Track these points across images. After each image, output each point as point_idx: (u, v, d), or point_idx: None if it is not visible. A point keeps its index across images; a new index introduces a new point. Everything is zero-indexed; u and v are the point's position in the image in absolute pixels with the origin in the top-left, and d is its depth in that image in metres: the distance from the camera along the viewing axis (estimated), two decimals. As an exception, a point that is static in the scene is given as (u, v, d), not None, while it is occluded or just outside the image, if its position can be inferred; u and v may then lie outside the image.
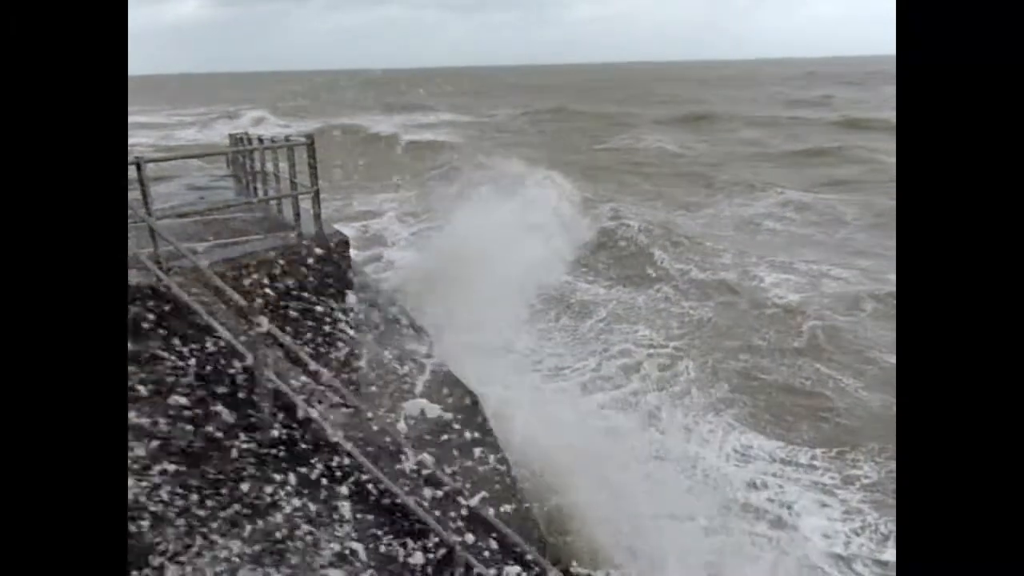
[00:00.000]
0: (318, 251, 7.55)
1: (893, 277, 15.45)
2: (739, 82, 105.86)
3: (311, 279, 7.47)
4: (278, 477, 4.41)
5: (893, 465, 7.92)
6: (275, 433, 4.75)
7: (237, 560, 3.79)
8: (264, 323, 4.78)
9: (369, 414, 5.04)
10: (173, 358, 5.26)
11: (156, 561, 3.69)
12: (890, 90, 67.54)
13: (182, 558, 3.76)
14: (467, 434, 5.34)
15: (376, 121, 50.50)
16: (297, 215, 8.29)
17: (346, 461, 4.59)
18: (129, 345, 4.99)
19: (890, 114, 43.66)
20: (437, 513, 4.32)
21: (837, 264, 16.82)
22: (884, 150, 32.07)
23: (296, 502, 4.26)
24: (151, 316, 5.60)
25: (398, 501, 4.37)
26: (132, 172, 5.94)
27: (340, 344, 7.38)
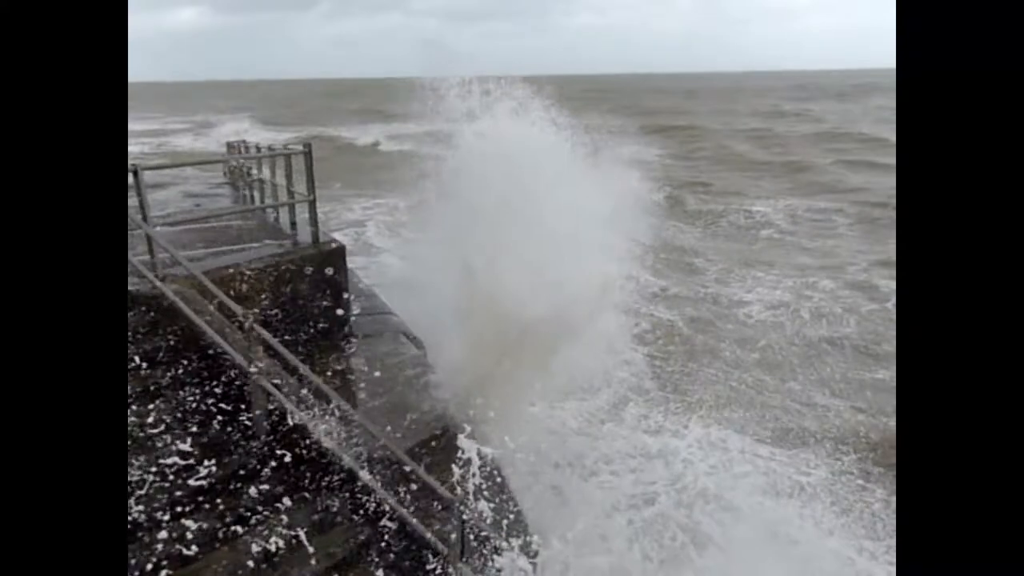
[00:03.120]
0: (314, 259, 7.55)
1: (881, 287, 15.69)
2: (728, 94, 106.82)
3: (307, 287, 7.47)
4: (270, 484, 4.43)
5: (839, 465, 8.74)
6: (267, 440, 4.76)
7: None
8: (259, 330, 4.79)
9: (361, 422, 5.03)
10: (166, 364, 5.26)
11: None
12: (872, 102, 68.71)
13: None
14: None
15: (365, 131, 50.65)
16: (293, 223, 8.30)
17: (339, 469, 4.60)
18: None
19: (868, 128, 45.24)
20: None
21: (825, 276, 17.01)
22: (858, 161, 33.54)
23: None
24: (146, 323, 5.59)
25: (394, 513, 4.37)
26: (129, 179, 5.94)
27: (334, 351, 7.38)
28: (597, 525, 7.00)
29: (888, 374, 11.49)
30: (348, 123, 56.06)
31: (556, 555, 5.05)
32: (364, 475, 4.53)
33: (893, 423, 9.77)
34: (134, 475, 4.20)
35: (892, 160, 33.02)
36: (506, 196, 7.47)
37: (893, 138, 39.72)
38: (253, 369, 4.76)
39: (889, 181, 27.71)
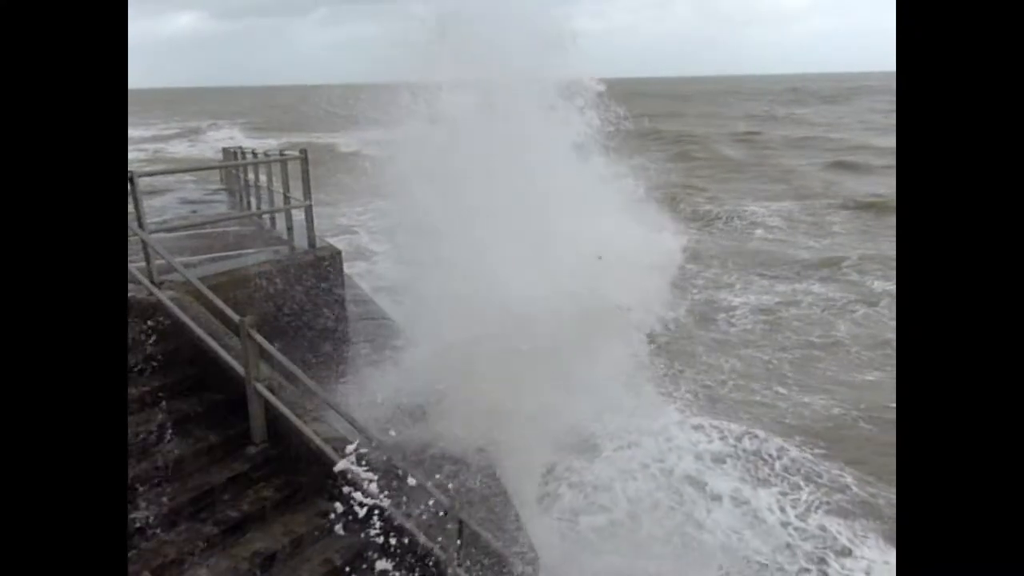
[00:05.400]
0: (311, 264, 7.55)
1: (877, 290, 15.76)
2: (721, 97, 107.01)
3: (304, 292, 7.46)
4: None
5: (809, 455, 9.08)
6: (265, 445, 4.74)
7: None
8: (256, 335, 4.76)
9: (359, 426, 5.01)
10: (162, 371, 5.23)
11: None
12: (863, 104, 69.32)
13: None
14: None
15: (353, 137, 50.55)
16: (290, 228, 8.29)
17: (337, 473, 4.58)
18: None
19: (855, 133, 46.30)
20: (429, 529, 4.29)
21: (817, 275, 17.10)
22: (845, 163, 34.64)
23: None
24: (142, 329, 5.56)
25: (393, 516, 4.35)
26: (125, 185, 5.93)
27: (332, 357, 7.35)
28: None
29: (875, 376, 11.61)
30: (339, 129, 55.94)
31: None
32: (362, 478, 4.50)
33: (863, 420, 10.02)
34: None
35: (878, 162, 33.35)
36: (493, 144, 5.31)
37: (877, 142, 40.20)
38: (250, 375, 4.74)
39: (873, 183, 28.00)
